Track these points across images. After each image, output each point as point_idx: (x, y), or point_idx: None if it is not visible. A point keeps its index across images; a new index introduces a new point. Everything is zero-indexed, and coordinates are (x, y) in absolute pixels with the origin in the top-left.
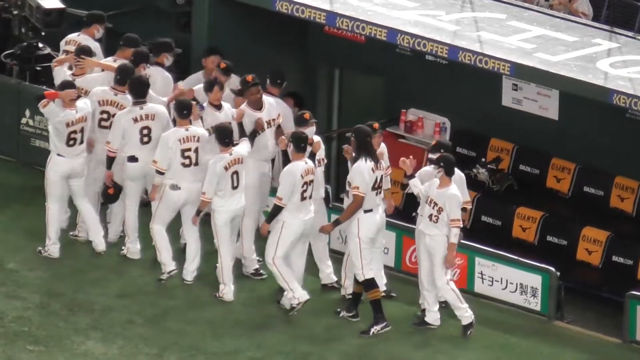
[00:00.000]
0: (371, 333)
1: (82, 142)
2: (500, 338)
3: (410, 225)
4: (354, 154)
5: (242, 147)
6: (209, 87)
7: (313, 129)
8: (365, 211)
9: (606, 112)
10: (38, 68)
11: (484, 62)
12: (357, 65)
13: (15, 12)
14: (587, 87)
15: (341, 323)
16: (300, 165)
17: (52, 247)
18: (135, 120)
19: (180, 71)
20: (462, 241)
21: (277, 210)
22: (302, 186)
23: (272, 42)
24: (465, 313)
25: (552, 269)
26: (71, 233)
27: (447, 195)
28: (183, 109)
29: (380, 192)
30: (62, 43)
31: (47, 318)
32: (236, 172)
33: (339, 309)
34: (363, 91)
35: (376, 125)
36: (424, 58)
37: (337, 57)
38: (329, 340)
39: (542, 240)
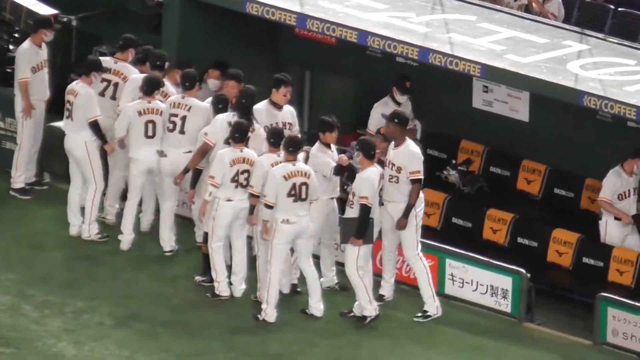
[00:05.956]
0: (196, 279)
1: None
2: (471, 340)
3: None
4: None
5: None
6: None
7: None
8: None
9: (577, 114)
10: (8, 70)
11: (454, 64)
12: (328, 67)
13: None
14: (557, 88)
15: (316, 326)
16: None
17: None
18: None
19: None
20: (432, 243)
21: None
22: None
23: (243, 44)
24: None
25: (523, 270)
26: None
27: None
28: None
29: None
30: None
31: (18, 320)
32: (152, 122)
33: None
34: (334, 93)
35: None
36: (394, 60)
37: (308, 59)
38: (299, 342)
39: (512, 242)
